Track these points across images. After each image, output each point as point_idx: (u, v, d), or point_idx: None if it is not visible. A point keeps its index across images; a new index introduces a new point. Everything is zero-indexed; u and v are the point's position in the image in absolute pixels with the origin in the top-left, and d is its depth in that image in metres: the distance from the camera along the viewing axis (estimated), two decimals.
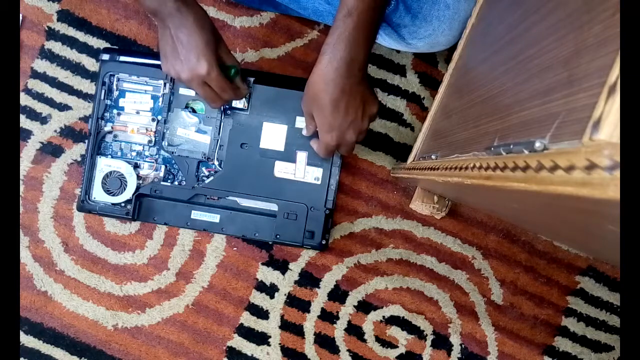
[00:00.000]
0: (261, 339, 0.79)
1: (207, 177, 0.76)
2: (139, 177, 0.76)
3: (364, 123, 0.61)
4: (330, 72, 0.56)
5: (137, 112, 0.76)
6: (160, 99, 0.75)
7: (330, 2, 0.70)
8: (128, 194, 0.75)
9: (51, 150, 0.79)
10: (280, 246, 0.79)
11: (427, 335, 0.79)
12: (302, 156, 0.75)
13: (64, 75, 0.79)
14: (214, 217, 0.76)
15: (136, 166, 0.76)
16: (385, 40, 0.72)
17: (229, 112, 0.75)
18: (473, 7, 0.65)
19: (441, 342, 0.79)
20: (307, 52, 0.79)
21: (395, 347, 0.79)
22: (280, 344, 0.79)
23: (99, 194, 0.75)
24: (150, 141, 0.76)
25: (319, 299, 0.79)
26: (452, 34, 0.67)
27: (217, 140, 0.75)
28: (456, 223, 0.79)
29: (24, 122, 0.79)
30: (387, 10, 0.66)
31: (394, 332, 0.79)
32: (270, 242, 0.78)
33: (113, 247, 0.79)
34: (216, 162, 0.76)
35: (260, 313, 0.79)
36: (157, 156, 0.76)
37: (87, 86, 0.79)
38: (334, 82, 0.56)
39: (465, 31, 0.65)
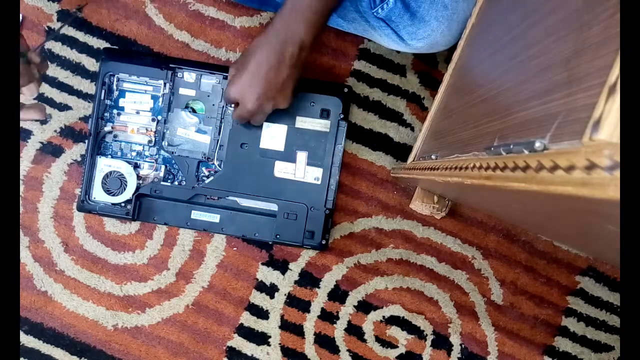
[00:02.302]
0: (261, 339, 0.79)
1: (207, 177, 0.76)
2: (139, 177, 0.76)
3: (267, 105, 0.64)
4: (269, 43, 0.60)
5: (137, 112, 0.76)
6: (160, 99, 0.75)
7: None
8: (128, 194, 0.75)
9: (51, 150, 0.79)
10: (280, 246, 0.79)
11: (427, 335, 0.79)
12: (302, 156, 0.75)
13: (64, 75, 0.79)
14: (214, 217, 0.76)
15: (136, 166, 0.76)
16: (384, 41, 0.72)
17: (229, 111, 0.75)
18: (472, 7, 0.64)
19: (441, 342, 0.79)
20: None
21: (395, 347, 0.79)
22: (280, 344, 0.79)
23: (99, 194, 0.75)
24: (150, 141, 0.76)
25: (319, 299, 0.79)
26: (452, 35, 0.67)
27: (217, 140, 0.75)
28: (456, 223, 0.79)
29: (24, 122, 0.79)
30: (386, 8, 0.66)
31: (394, 332, 0.79)
32: (270, 242, 0.78)
33: (113, 247, 0.79)
34: (216, 162, 0.76)
35: (260, 313, 0.79)
36: (157, 156, 0.76)
37: (87, 86, 0.79)
38: (267, 53, 0.60)
39: (465, 31, 0.65)
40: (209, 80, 0.75)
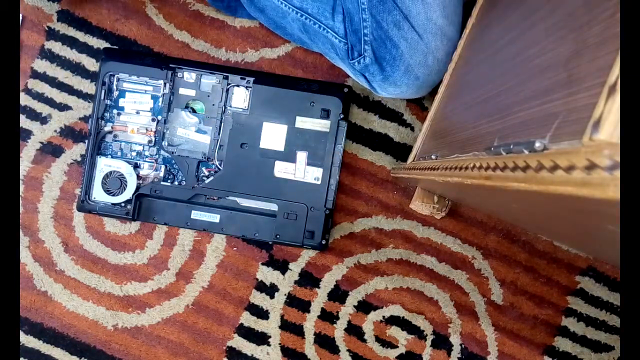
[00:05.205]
0: (261, 339, 0.79)
1: (207, 177, 0.76)
2: (139, 177, 0.76)
3: None
4: None
5: (137, 112, 0.76)
6: (160, 99, 0.75)
7: (306, 30, 0.70)
8: (128, 194, 0.75)
9: (51, 150, 0.79)
10: (280, 246, 0.79)
11: (427, 335, 0.79)
12: (302, 156, 0.75)
13: (64, 75, 0.79)
14: (214, 217, 0.76)
15: (136, 166, 0.76)
16: (357, 80, 0.72)
17: (229, 111, 0.75)
18: (445, 73, 0.66)
19: (441, 342, 0.79)
20: (307, 52, 0.79)
21: (395, 347, 0.79)
22: (280, 344, 0.79)
23: (99, 194, 0.75)
24: (150, 141, 0.76)
25: (319, 299, 0.79)
26: (421, 94, 0.70)
27: (217, 140, 0.75)
28: (456, 223, 0.79)
29: (24, 122, 0.79)
30: (362, 63, 0.66)
31: (394, 332, 0.79)
32: (270, 242, 0.78)
33: (113, 247, 0.79)
34: (216, 162, 0.76)
35: (260, 313, 0.79)
36: (157, 156, 0.76)
37: (87, 86, 0.79)
38: None
39: (465, 31, 0.65)
40: (209, 80, 0.75)
